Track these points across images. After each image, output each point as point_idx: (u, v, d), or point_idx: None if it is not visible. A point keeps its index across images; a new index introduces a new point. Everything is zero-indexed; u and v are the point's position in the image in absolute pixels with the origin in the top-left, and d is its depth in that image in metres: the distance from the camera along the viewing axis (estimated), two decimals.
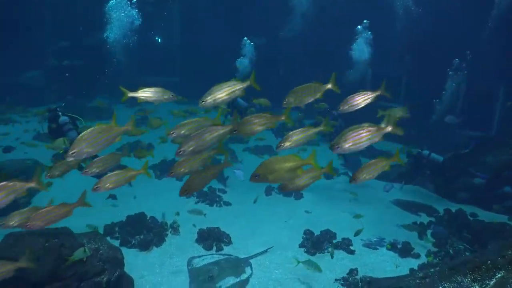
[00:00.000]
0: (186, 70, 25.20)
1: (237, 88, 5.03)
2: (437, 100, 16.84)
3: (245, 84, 5.10)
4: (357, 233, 8.60)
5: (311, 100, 5.38)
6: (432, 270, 5.94)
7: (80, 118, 9.38)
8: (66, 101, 20.15)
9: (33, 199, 10.54)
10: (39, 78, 21.84)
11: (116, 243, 8.31)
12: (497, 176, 11.37)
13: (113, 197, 10.56)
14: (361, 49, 18.55)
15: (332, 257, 8.06)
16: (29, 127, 16.71)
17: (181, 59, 25.86)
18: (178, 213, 9.54)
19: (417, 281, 5.38)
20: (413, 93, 19.23)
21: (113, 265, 5.73)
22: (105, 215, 9.67)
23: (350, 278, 7.45)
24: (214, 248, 8.35)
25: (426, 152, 12.27)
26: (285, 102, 5.30)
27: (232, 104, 12.07)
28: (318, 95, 5.35)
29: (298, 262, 7.19)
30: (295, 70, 22.96)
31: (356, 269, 7.70)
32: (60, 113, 9.17)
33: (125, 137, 12.43)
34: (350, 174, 13.39)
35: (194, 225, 9.15)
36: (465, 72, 16.44)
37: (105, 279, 5.50)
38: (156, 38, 27.41)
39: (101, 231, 8.78)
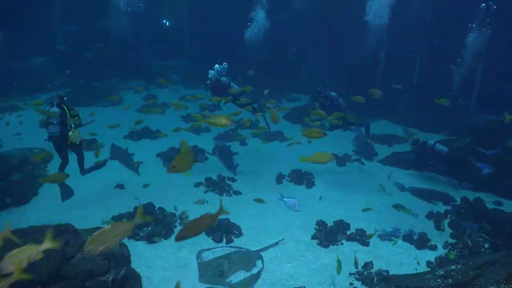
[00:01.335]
0: (193, 54, 24.81)
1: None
2: (456, 67, 16.25)
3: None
4: (368, 237, 8.25)
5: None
6: (453, 267, 5.65)
7: (78, 114, 8.88)
8: (77, 85, 19.94)
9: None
10: (47, 63, 21.59)
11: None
12: None
13: (120, 186, 10.37)
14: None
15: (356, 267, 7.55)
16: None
17: (189, 43, 25.43)
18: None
19: (439, 280, 5.09)
20: (427, 76, 18.70)
21: (119, 262, 5.51)
22: (113, 205, 9.49)
23: (364, 272, 7.20)
24: (224, 240, 8.11)
25: (431, 142, 11.87)
26: None
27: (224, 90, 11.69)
28: None
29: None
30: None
31: (371, 262, 7.45)
32: (55, 103, 8.78)
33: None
34: (363, 160, 13.06)
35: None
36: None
37: (110, 277, 5.28)
38: (164, 21, 26.97)
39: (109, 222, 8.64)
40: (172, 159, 11.89)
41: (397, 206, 9.62)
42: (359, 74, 18.97)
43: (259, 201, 9.04)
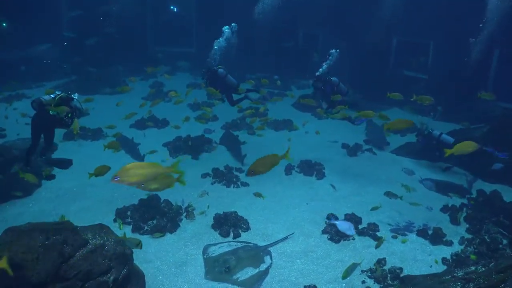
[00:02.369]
0: (202, 41, 24.36)
1: None
2: (473, 39, 15.66)
3: None
4: (378, 245, 7.48)
5: None
6: (472, 268, 5.33)
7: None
8: (83, 72, 19.67)
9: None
10: (53, 50, 21.33)
11: (128, 229, 7.90)
12: None
13: None
14: None
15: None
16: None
17: (197, 29, 24.95)
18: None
19: (459, 284, 4.77)
20: (441, 62, 18.12)
21: (121, 261, 5.26)
22: (117, 196, 9.26)
23: (377, 269, 6.89)
24: (231, 234, 7.84)
25: (436, 132, 11.44)
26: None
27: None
28: None
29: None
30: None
31: (384, 259, 7.14)
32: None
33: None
34: (374, 150, 12.68)
35: (208, 207, 8.69)
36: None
37: (111, 278, 5.04)
38: (172, 7, 26.51)
39: (112, 216, 8.41)
40: (179, 149, 11.68)
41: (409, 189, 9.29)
42: (370, 60, 18.48)
43: (258, 195, 8.72)
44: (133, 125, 14.07)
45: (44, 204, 8.94)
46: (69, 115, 8.08)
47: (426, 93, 17.22)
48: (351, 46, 19.04)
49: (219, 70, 11.17)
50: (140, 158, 11.27)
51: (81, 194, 9.38)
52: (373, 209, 8.61)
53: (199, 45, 24.71)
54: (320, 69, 11.39)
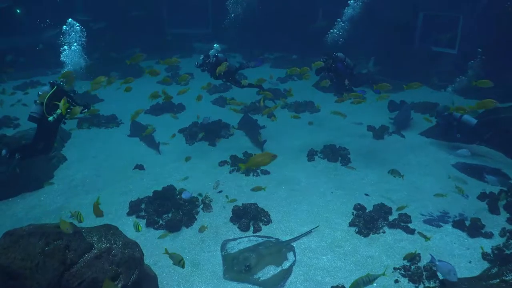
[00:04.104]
0: (218, 22, 23.65)
1: None
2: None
3: None
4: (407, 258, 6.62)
5: None
6: None
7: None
8: (98, 57, 19.26)
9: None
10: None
11: (142, 223, 7.46)
12: None
13: (140, 167, 9.66)
14: None
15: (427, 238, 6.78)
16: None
17: (213, 9, 24.22)
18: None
19: None
20: (471, 38, 16.99)
21: (130, 266, 4.77)
22: (131, 188, 8.84)
23: (412, 267, 6.28)
24: (251, 228, 7.31)
25: (457, 113, 10.61)
26: None
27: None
28: None
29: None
30: None
31: (418, 255, 6.52)
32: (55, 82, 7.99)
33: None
34: (402, 132, 11.92)
35: (226, 196, 8.19)
36: None
37: (119, 285, 4.57)
38: None
39: (126, 208, 7.98)
40: (195, 136, 11.15)
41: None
42: (395, 36, 17.51)
43: (259, 189, 7.84)
44: (148, 111, 13.59)
45: (56, 197, 8.57)
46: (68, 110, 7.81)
47: (454, 69, 16.33)
48: (375, 21, 18.07)
49: (219, 55, 10.46)
50: (155, 145, 10.80)
51: (94, 186, 8.98)
52: (399, 208, 7.71)
53: (216, 26, 24.03)
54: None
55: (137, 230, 5.97)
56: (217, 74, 10.09)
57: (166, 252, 5.39)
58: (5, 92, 14.10)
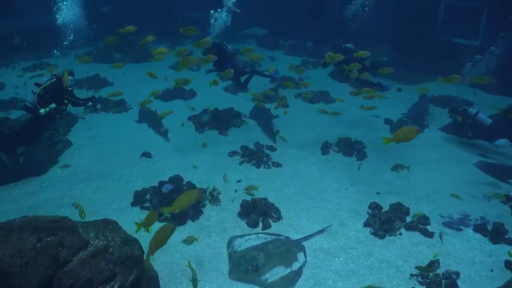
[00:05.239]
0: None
1: None
2: None
3: None
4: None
5: None
6: None
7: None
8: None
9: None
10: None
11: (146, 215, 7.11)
12: None
13: (147, 155, 9.32)
14: None
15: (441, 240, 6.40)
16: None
17: None
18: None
19: None
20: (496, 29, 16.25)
21: (128, 266, 4.44)
22: (137, 176, 8.52)
23: (430, 273, 5.86)
24: (260, 225, 6.94)
25: (472, 110, 10.07)
26: None
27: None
28: None
29: None
30: None
31: (437, 261, 6.10)
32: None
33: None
34: (424, 128, 11.36)
35: (236, 190, 7.82)
36: None
37: (116, 286, 4.24)
38: None
39: (130, 198, 7.65)
40: (205, 123, 10.76)
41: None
42: (415, 27, 16.84)
43: (252, 188, 7.55)
44: (158, 96, 13.21)
45: (59, 183, 8.28)
46: (65, 101, 7.56)
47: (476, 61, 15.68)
48: (394, 11, 17.44)
49: (229, 47, 9.72)
50: (164, 132, 10.44)
51: (99, 173, 8.67)
52: (414, 216, 7.19)
53: None
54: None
55: (148, 231, 5.46)
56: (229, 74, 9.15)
57: (189, 263, 5.32)
58: (16, 69, 13.81)
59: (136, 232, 4.64)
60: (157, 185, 7.83)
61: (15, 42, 17.79)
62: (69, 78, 7.68)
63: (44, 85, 7.44)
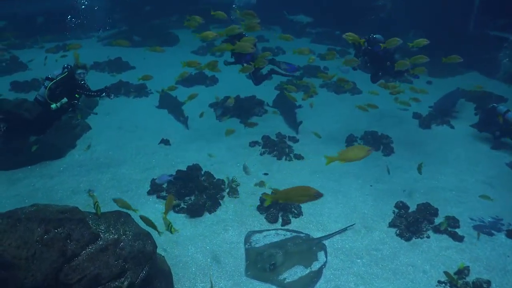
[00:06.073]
0: None
1: None
2: None
3: None
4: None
5: None
6: None
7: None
8: (132, 24, 18.76)
9: None
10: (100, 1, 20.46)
11: (161, 204, 6.90)
12: None
13: (166, 142, 9.10)
14: None
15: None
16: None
17: None
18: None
19: None
20: None
21: (139, 262, 4.21)
22: (155, 164, 8.31)
23: (459, 281, 5.48)
24: (280, 220, 6.64)
25: (502, 108, 9.43)
26: None
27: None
28: None
29: None
30: None
31: (467, 267, 5.70)
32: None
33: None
34: (452, 123, 10.84)
35: (255, 185, 7.54)
36: None
37: (126, 283, 4.01)
38: None
39: (147, 186, 7.43)
40: (227, 111, 10.46)
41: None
42: (448, 19, 16.10)
43: (261, 184, 7.38)
44: (179, 82, 12.95)
45: (76, 168, 8.15)
46: (76, 95, 7.37)
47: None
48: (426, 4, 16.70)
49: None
50: (183, 119, 10.20)
51: (116, 159, 8.50)
52: (441, 224, 6.66)
53: None
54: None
55: (171, 232, 5.18)
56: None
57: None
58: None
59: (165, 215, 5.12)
60: (174, 173, 7.59)
61: (39, 22, 17.74)
62: (82, 71, 7.43)
63: (55, 80, 7.22)
